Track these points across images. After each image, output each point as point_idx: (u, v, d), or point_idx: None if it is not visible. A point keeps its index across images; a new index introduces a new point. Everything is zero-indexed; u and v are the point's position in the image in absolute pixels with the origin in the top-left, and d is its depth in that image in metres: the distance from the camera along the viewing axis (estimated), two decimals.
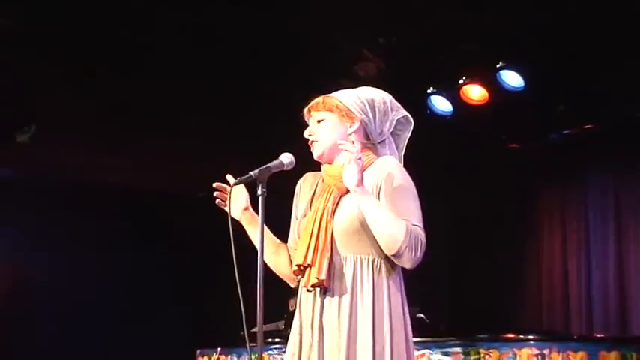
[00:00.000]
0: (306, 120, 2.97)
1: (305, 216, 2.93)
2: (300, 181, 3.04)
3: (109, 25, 6.28)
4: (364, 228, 2.75)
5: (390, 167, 2.81)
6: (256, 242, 2.84)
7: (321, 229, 2.78)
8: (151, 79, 6.73)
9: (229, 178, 2.90)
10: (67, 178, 7.30)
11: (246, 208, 2.96)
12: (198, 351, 6.18)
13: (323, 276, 2.74)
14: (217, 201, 2.97)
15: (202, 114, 7.21)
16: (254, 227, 2.91)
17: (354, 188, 2.70)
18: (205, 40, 6.50)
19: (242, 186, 2.93)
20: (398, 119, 2.94)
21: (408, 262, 2.72)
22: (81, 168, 7.15)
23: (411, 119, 2.98)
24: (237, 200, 2.94)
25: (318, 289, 2.79)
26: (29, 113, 6.71)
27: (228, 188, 2.92)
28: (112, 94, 6.77)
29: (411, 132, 2.99)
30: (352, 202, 2.77)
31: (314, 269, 2.75)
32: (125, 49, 6.49)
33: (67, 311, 7.41)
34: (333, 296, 2.76)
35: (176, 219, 7.39)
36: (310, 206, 2.92)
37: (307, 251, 2.78)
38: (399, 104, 2.96)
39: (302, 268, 2.79)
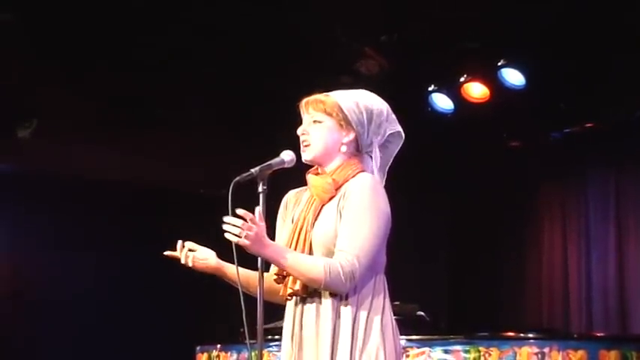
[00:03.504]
0: (300, 112, 2.90)
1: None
2: (284, 199, 2.98)
3: (109, 21, 6.28)
4: None
5: (359, 187, 2.73)
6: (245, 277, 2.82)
7: (300, 239, 2.76)
8: (153, 74, 6.72)
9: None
10: (68, 173, 7.29)
11: (217, 267, 2.93)
12: (198, 347, 6.17)
13: (297, 287, 2.72)
14: (192, 258, 2.96)
15: (202, 110, 7.20)
16: (232, 271, 2.84)
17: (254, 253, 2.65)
18: (205, 36, 6.50)
19: (204, 249, 2.95)
20: (391, 133, 2.87)
21: (336, 292, 2.70)
22: (82, 163, 7.15)
23: (403, 135, 2.90)
24: (207, 261, 2.94)
25: (297, 298, 2.77)
26: (30, 108, 6.71)
27: (176, 253, 2.95)
28: (113, 89, 6.77)
29: (400, 146, 2.91)
30: (332, 213, 2.74)
31: (290, 279, 2.73)
32: (126, 45, 6.49)
33: (67, 307, 7.40)
34: (312, 305, 2.74)
35: (177, 215, 7.37)
36: (293, 218, 2.88)
37: None
38: (394, 116, 2.89)
39: (281, 277, 2.77)
